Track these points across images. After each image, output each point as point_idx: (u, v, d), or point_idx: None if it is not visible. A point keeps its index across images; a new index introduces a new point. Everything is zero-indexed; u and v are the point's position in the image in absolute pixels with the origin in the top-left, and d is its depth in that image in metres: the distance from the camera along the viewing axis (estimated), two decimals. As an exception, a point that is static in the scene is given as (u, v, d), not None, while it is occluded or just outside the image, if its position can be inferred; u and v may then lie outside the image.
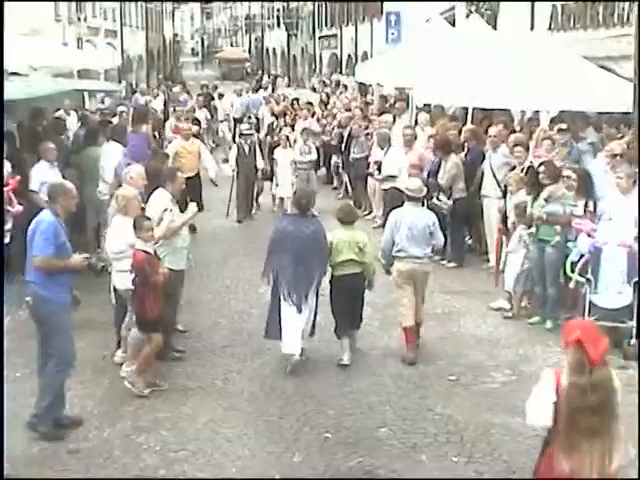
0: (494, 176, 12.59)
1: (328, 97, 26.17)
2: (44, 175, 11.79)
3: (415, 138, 14.93)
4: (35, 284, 7.56)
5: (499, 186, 12.27)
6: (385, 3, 35.99)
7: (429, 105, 17.47)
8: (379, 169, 15.30)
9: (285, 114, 22.57)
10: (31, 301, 7.63)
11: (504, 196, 12.05)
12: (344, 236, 9.45)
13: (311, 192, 10.62)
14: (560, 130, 12.94)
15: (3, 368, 7.84)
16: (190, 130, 15.63)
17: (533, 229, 10.62)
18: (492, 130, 13.21)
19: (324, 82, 33.80)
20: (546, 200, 10.44)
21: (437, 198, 13.28)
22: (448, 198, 13.25)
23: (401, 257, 9.61)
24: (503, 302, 11.19)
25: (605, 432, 5.00)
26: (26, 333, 9.45)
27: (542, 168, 10.79)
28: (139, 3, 58.04)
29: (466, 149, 13.91)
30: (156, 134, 17.36)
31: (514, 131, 13.57)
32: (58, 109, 17.03)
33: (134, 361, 8.74)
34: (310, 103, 22.92)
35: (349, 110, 19.92)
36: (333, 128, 19.44)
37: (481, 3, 24.00)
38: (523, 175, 11.33)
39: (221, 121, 24.34)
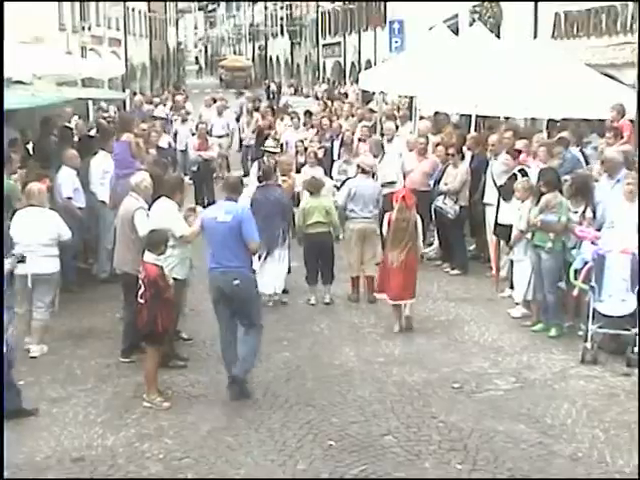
0: (494, 183, 12.60)
1: (326, 105, 26.10)
2: (74, 182, 11.94)
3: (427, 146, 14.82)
4: (244, 268, 8.67)
5: (499, 193, 12.28)
6: (388, 12, 36.14)
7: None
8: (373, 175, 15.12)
9: (270, 126, 22.16)
10: (241, 284, 8.52)
11: (498, 203, 12.13)
12: (314, 202, 11.91)
13: (270, 165, 12.82)
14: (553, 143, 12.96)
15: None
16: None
17: (529, 235, 10.65)
18: (492, 138, 13.23)
19: (328, 90, 33.79)
20: (542, 209, 10.42)
21: (443, 202, 13.29)
22: (455, 203, 13.25)
23: (354, 218, 11.99)
24: (523, 310, 11.17)
25: (409, 241, 10.52)
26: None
27: (540, 175, 10.82)
28: (143, 12, 58.25)
29: (470, 157, 13.91)
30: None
31: (520, 138, 13.55)
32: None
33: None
34: (309, 112, 22.68)
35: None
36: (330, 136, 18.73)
37: (484, 11, 24.05)
38: (533, 184, 11.27)
39: (221, 136, 22.99)
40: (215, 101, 26.29)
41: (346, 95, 31.12)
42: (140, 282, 8.53)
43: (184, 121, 22.49)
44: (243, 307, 8.69)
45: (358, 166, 12.68)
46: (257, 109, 25.57)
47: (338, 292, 12.18)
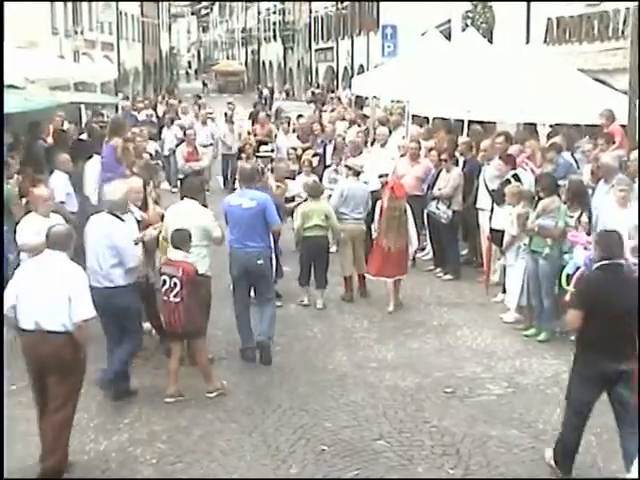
0: (487, 188, 12.63)
1: (320, 110, 26.05)
2: (66, 186, 11.91)
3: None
4: (265, 248, 9.76)
5: (492, 198, 12.31)
6: (381, 17, 36.21)
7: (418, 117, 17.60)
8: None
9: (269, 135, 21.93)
10: (263, 261, 9.68)
11: (492, 208, 12.15)
12: (313, 206, 12.03)
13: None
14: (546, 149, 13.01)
15: (3, 374, 7.84)
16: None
17: (527, 240, 10.67)
18: (483, 144, 13.27)
19: (314, 93, 33.70)
20: (539, 214, 10.45)
21: (436, 207, 13.30)
22: (447, 208, 13.26)
23: (345, 219, 12.24)
24: (515, 315, 11.18)
25: (400, 228, 11.56)
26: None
27: (537, 181, 10.86)
28: (136, 16, 58.23)
29: (462, 162, 13.93)
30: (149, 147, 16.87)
31: (511, 143, 13.57)
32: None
33: None
34: (301, 117, 22.57)
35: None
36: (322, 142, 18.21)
37: (477, 16, 24.11)
38: (522, 188, 11.30)
39: (205, 145, 22.07)
40: (199, 108, 25.83)
41: (339, 99, 31.13)
42: (176, 281, 8.53)
43: (169, 126, 21.92)
44: (262, 281, 9.87)
45: (349, 168, 12.79)
46: (256, 116, 24.96)
47: (331, 296, 12.20)
